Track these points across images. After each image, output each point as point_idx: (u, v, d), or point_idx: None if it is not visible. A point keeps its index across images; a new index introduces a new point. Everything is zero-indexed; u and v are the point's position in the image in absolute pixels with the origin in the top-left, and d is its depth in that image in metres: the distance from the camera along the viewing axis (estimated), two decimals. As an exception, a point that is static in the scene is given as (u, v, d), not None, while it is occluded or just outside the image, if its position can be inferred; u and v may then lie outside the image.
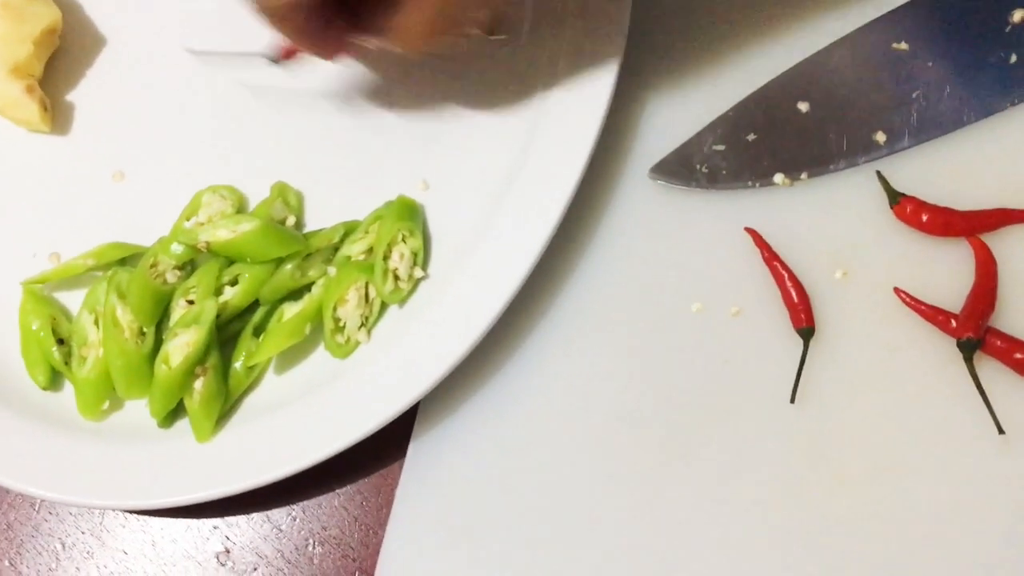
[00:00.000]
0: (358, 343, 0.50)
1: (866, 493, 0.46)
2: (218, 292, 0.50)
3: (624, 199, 0.52)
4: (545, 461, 0.48)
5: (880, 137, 0.50)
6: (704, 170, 0.51)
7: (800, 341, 0.48)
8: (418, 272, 0.50)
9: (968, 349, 0.46)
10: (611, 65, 0.50)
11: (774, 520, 0.46)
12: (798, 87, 0.52)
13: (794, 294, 0.48)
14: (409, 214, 0.51)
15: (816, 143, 0.51)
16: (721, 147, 0.52)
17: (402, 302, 0.51)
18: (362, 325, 0.50)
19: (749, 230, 0.50)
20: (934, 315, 0.47)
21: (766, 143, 0.51)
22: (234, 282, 0.50)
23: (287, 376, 0.51)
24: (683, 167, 0.52)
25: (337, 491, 0.51)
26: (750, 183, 0.51)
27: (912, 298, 0.47)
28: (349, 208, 0.53)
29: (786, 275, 0.48)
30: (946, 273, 0.48)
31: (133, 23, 0.58)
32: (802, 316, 0.48)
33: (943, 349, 0.47)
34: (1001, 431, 0.45)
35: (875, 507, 0.45)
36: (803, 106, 0.52)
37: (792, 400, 0.47)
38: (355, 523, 0.51)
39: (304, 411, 0.48)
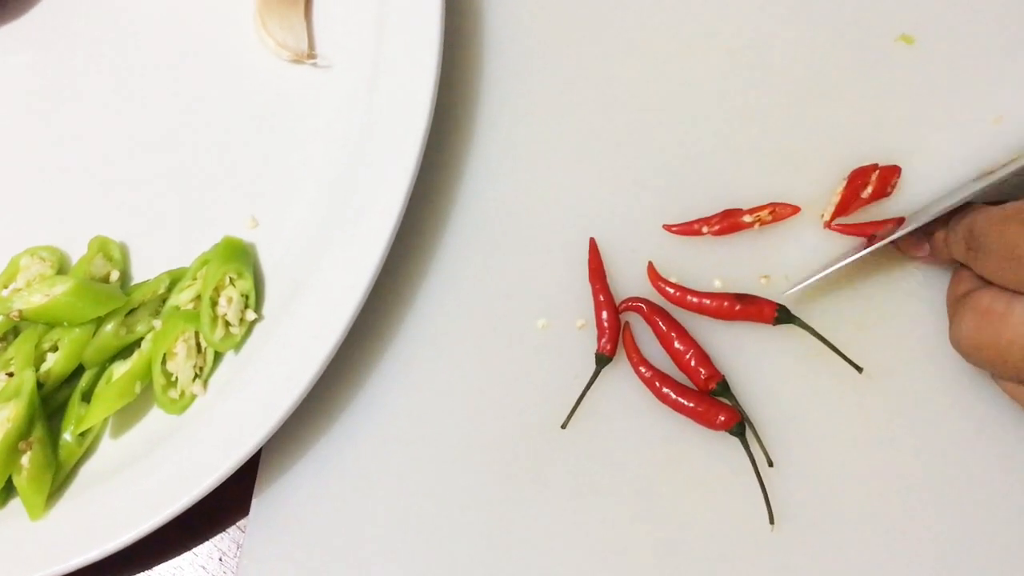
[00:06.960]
0: (194, 396, 0.48)
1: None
2: (40, 361, 0.47)
3: (460, 219, 0.50)
4: (394, 495, 0.46)
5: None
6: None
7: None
8: (250, 315, 0.48)
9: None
10: (429, 83, 0.48)
11: (629, 536, 0.44)
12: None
13: (605, 316, 0.45)
14: (237, 255, 0.49)
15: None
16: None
17: (237, 348, 0.48)
18: (196, 376, 0.48)
19: (591, 240, 0.48)
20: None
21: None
22: (55, 348, 0.48)
23: (124, 439, 0.48)
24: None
25: (194, 551, 0.49)
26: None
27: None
28: (179, 255, 0.50)
29: (602, 296, 0.46)
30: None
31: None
32: (604, 342, 0.45)
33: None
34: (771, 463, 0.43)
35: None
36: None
37: (563, 426, 0.45)
38: (214, 583, 0.49)
39: (142, 473, 0.46)
